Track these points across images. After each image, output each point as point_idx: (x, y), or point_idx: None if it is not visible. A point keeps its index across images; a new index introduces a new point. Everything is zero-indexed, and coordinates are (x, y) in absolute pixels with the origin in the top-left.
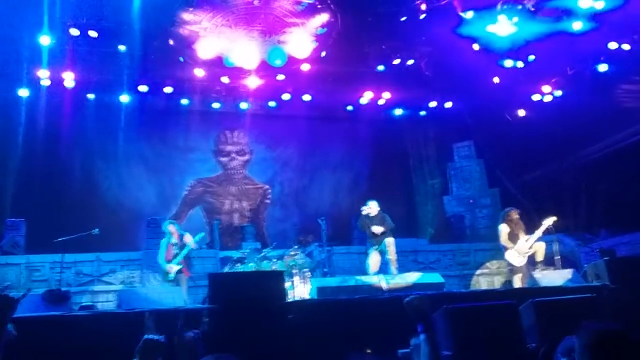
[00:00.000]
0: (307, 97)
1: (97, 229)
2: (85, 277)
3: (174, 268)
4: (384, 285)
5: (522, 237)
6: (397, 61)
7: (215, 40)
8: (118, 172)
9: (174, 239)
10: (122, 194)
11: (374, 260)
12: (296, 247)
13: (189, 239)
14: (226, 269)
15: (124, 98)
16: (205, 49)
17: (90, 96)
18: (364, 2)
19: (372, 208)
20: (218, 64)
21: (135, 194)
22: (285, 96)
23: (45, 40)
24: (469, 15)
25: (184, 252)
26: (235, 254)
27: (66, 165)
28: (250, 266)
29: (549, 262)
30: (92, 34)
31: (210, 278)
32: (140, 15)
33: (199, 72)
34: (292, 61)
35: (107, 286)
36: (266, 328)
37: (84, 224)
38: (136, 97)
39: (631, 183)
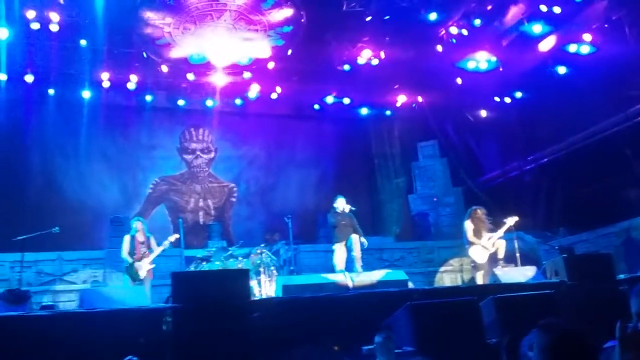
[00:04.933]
0: (273, 95)
1: (57, 228)
2: (47, 276)
3: (145, 267)
4: (349, 283)
5: (485, 234)
6: (362, 60)
7: (187, 39)
8: (79, 170)
9: (140, 237)
10: (84, 191)
11: (340, 256)
12: (262, 245)
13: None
14: (192, 268)
15: (86, 94)
16: (179, 51)
17: (51, 91)
18: (329, 1)
19: (339, 204)
20: (183, 61)
21: (97, 191)
22: (252, 94)
23: (2, 33)
24: (432, 16)
25: (159, 252)
26: (201, 253)
27: (25, 162)
28: (217, 265)
29: (510, 259)
30: (53, 27)
31: (173, 277)
32: (103, 9)
33: (164, 69)
34: (258, 59)
35: (69, 285)
36: (231, 327)
37: (45, 222)
38: (98, 92)
39: (589, 182)
